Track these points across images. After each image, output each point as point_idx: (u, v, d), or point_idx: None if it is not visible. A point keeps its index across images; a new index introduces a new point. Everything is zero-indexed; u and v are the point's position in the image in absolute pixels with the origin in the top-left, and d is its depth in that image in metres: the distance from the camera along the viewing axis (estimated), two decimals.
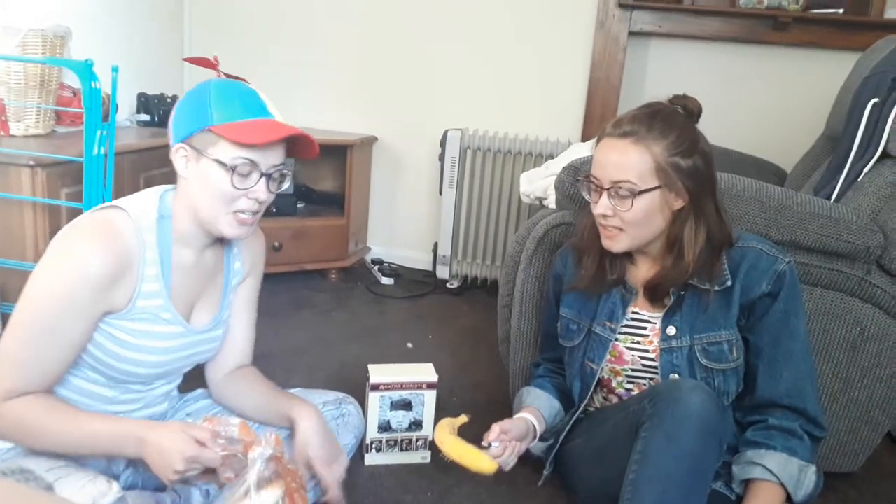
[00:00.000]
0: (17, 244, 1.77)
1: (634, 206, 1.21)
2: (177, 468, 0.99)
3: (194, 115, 1.09)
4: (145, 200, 1.14)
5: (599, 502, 1.28)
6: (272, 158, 1.11)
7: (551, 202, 1.78)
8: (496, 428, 1.32)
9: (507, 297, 1.76)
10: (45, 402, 1.05)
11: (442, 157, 2.80)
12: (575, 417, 1.42)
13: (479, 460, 1.27)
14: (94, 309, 1.06)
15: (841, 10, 2.57)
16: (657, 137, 1.21)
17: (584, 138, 2.81)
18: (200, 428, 1.03)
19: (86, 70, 1.65)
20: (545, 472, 1.45)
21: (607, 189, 1.23)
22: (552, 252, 1.60)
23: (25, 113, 2.00)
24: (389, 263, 3.15)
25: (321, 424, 1.23)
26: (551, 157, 2.58)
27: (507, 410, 1.55)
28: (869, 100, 1.72)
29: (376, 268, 3.07)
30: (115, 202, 1.12)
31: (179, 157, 1.11)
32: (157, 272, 1.12)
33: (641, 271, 1.35)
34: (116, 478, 1.14)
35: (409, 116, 3.07)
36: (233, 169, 1.07)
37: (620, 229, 1.25)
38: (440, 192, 2.85)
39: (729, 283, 1.27)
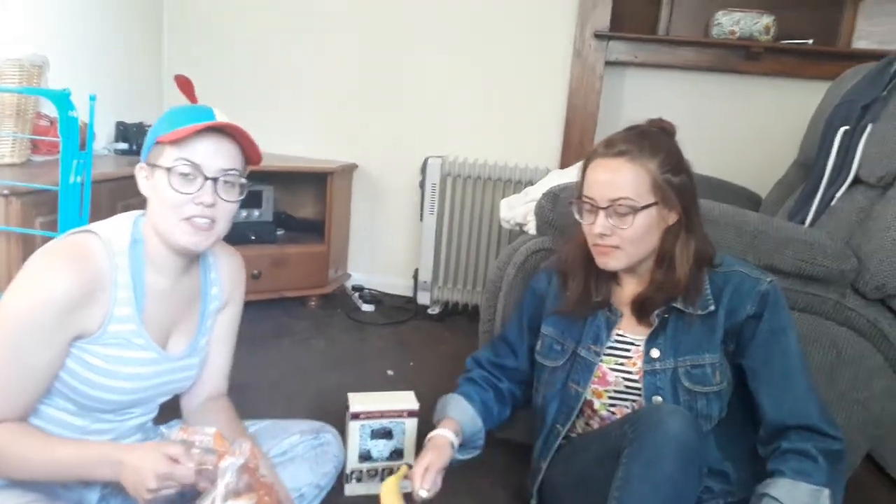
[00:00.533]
0: None
1: (635, 223, 1.23)
2: (149, 486, 0.96)
3: (150, 135, 1.12)
4: (118, 225, 1.13)
5: None
6: (218, 162, 1.09)
7: (531, 228, 1.79)
8: (419, 474, 1.27)
9: (488, 322, 1.75)
10: (19, 429, 1.03)
11: (422, 184, 2.81)
12: (558, 443, 1.41)
13: None
14: (63, 332, 1.04)
15: (810, 41, 2.65)
16: (649, 156, 1.23)
17: (563, 165, 2.84)
18: (174, 445, 1.01)
19: (62, 99, 1.64)
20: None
21: (605, 208, 1.24)
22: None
23: (1, 142, 1.98)
24: (370, 290, 3.13)
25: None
26: (531, 183, 2.60)
27: (490, 437, 1.53)
28: (840, 127, 1.76)
29: (356, 294, 3.06)
30: (87, 227, 1.11)
31: (141, 177, 1.13)
32: (130, 296, 1.10)
33: (627, 292, 1.36)
34: None
35: (390, 144, 3.09)
36: (169, 170, 1.07)
37: (617, 247, 1.26)
38: (421, 219, 2.86)
39: (712, 307, 1.28)
